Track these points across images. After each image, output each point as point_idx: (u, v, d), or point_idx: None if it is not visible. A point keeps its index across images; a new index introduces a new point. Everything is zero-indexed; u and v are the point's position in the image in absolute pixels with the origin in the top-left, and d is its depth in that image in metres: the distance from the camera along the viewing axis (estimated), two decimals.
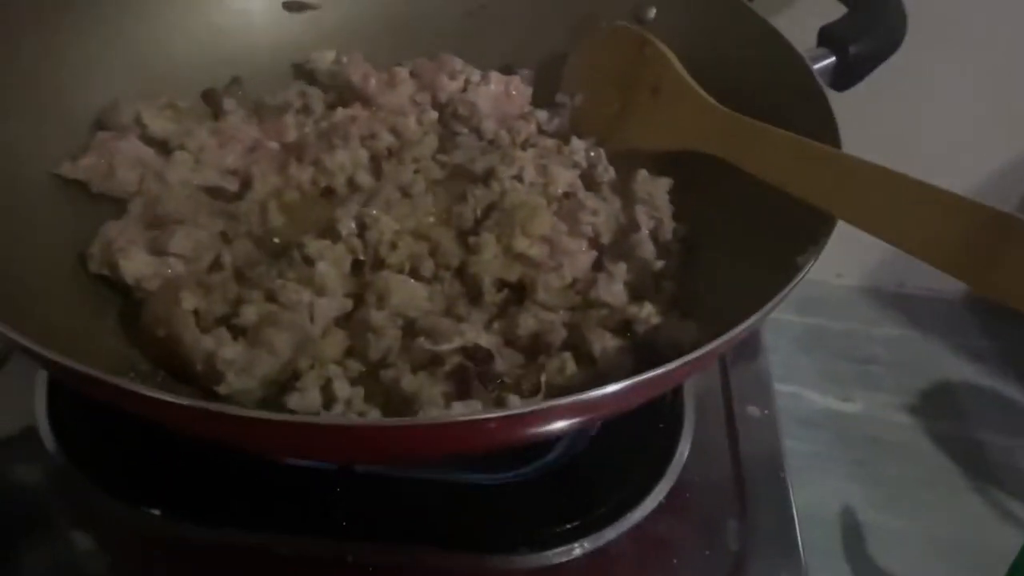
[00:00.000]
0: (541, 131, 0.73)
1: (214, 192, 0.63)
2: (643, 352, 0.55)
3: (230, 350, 0.51)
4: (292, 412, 0.51)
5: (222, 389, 0.51)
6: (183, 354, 0.52)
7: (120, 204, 0.61)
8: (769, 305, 0.44)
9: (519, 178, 0.65)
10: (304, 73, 0.75)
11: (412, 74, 0.74)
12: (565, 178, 0.65)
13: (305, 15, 0.75)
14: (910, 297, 1.54)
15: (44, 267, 0.55)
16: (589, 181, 0.67)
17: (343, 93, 0.73)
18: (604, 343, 0.55)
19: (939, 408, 1.37)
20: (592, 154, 0.68)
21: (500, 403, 0.51)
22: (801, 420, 1.31)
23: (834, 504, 1.21)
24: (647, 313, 0.56)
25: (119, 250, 0.55)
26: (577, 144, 0.69)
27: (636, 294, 0.59)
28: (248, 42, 0.73)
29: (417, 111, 0.72)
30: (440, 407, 0.50)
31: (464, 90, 0.73)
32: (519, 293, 0.60)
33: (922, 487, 1.25)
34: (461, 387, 0.50)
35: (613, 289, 0.58)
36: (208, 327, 0.54)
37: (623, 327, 0.57)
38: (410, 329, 0.56)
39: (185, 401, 0.38)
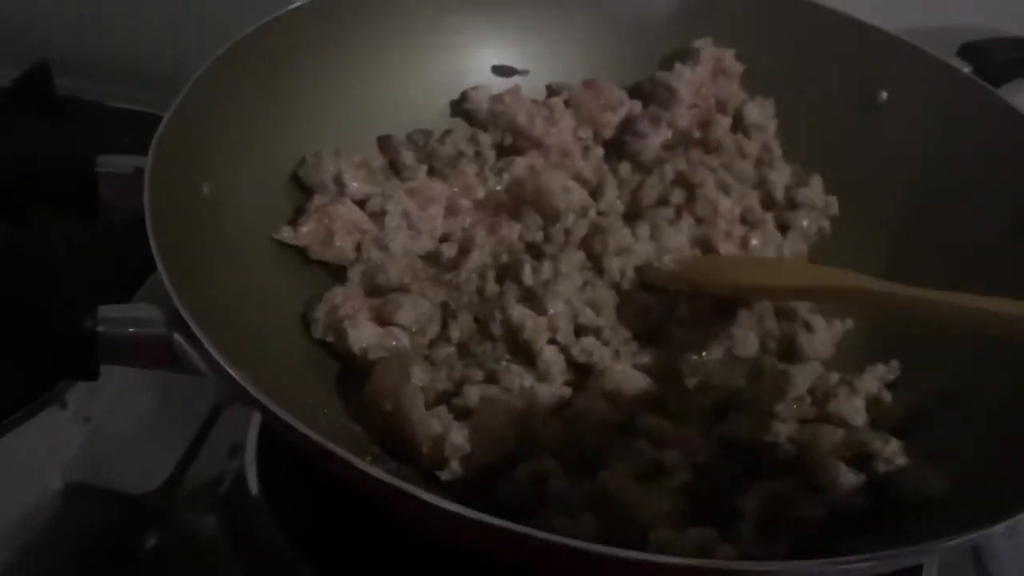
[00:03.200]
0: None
1: (429, 259, 0.62)
2: (877, 492, 0.51)
3: (459, 435, 0.49)
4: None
5: (444, 475, 0.50)
6: (407, 432, 0.51)
7: (331, 269, 0.61)
8: None
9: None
10: (460, 111, 0.72)
11: (567, 104, 0.71)
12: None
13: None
14: None
15: (273, 328, 0.55)
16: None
17: (507, 132, 0.70)
18: (837, 475, 0.51)
19: None
20: None
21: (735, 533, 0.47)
22: None
23: None
24: (892, 451, 0.51)
25: (346, 318, 0.55)
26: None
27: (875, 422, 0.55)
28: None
29: (580, 147, 0.70)
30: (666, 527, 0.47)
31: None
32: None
33: None
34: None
35: (855, 404, 0.54)
36: (429, 404, 0.53)
37: (861, 461, 0.52)
38: (627, 427, 0.54)
39: (498, 523, 0.36)
